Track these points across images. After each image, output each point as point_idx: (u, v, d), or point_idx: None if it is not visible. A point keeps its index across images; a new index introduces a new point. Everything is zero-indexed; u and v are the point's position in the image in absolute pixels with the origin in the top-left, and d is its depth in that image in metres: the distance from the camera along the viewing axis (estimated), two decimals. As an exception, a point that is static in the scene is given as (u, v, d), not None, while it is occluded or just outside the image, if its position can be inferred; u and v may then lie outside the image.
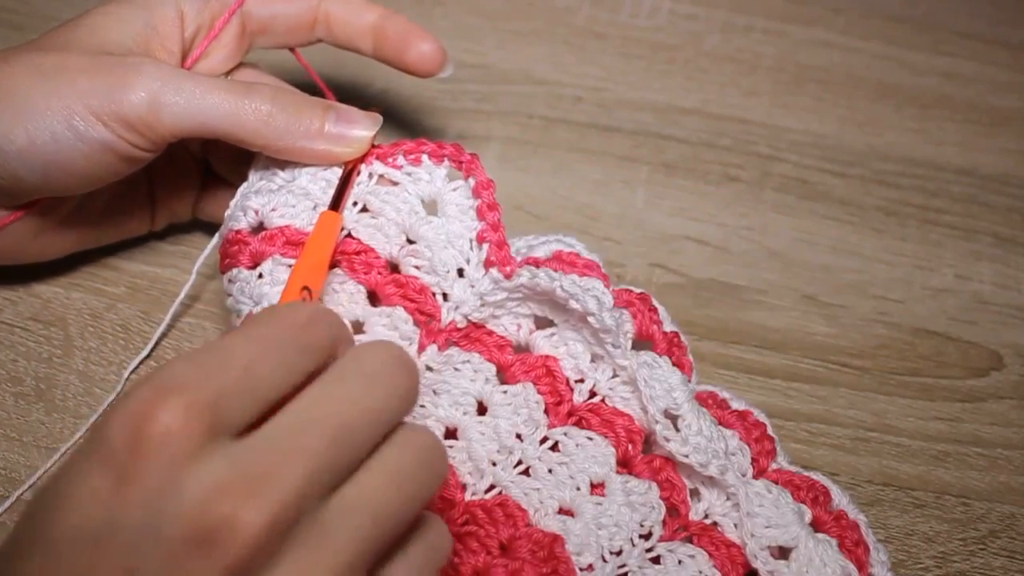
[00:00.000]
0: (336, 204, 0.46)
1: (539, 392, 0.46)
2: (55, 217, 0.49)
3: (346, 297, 0.47)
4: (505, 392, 0.46)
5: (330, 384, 0.33)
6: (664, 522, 0.44)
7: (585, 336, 0.46)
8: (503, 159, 0.62)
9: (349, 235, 0.47)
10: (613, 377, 0.46)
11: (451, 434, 0.45)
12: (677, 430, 0.44)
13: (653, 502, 0.44)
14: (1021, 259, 0.60)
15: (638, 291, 0.48)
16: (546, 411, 0.46)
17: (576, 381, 0.46)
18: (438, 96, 0.64)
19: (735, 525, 0.44)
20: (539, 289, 0.45)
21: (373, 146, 0.48)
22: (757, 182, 0.62)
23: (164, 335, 0.52)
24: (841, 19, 0.72)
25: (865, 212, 0.62)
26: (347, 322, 0.46)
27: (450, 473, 0.44)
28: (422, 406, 0.45)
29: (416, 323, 0.46)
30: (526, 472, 0.44)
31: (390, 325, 0.46)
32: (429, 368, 0.46)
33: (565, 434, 0.45)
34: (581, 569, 0.42)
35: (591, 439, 0.45)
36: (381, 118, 0.48)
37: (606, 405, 0.46)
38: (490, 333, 0.47)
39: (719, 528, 0.44)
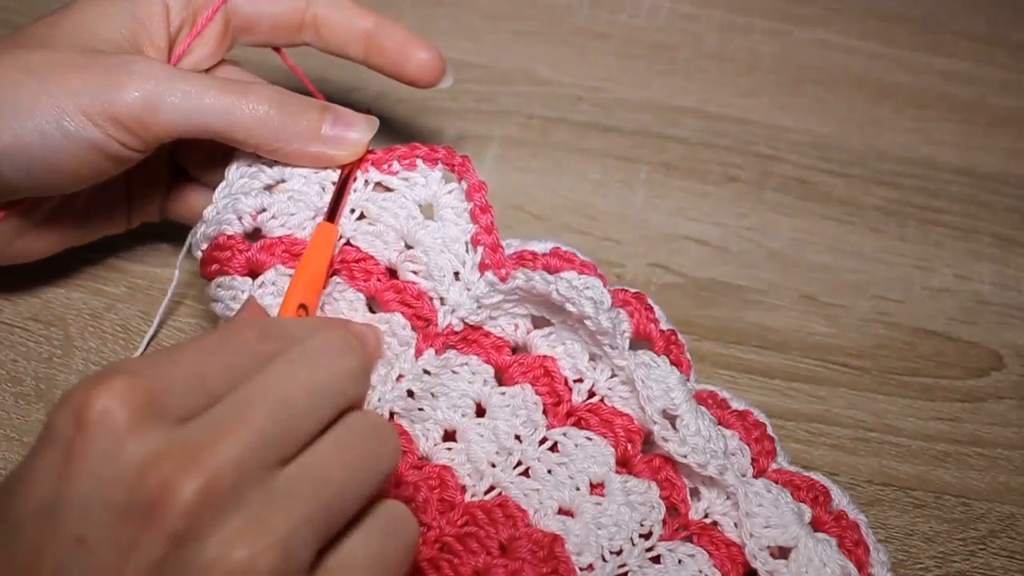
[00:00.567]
0: (333, 214, 0.46)
1: (537, 393, 0.46)
2: (36, 217, 0.49)
3: (345, 305, 0.47)
4: (503, 394, 0.46)
5: (272, 367, 0.34)
6: (664, 521, 0.44)
7: (582, 336, 0.46)
8: (503, 159, 0.62)
9: (348, 243, 0.47)
10: (612, 377, 0.46)
11: (450, 436, 0.45)
12: (675, 430, 0.44)
13: (653, 501, 0.44)
14: (1021, 259, 0.60)
15: (634, 291, 0.48)
16: (544, 412, 0.46)
17: (575, 381, 0.46)
18: (437, 97, 0.64)
19: (735, 524, 0.44)
20: (535, 292, 0.45)
21: (368, 151, 0.48)
22: (757, 182, 0.62)
23: (156, 333, 0.51)
24: (841, 19, 0.72)
25: (864, 212, 0.62)
26: None
27: (449, 475, 0.44)
28: (420, 409, 0.45)
29: (414, 328, 0.46)
30: (525, 473, 0.44)
31: (388, 331, 0.46)
32: (427, 372, 0.46)
33: (564, 434, 0.45)
34: (581, 569, 0.42)
35: (590, 439, 0.45)
36: (377, 121, 0.48)
37: (605, 405, 0.46)
38: (487, 334, 0.47)
39: (719, 527, 0.44)
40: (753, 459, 0.45)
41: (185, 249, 0.48)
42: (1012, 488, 0.51)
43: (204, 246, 0.46)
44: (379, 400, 0.45)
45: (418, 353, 0.46)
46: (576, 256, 0.48)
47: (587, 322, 0.44)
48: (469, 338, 0.47)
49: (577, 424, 0.45)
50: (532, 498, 0.44)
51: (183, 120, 0.44)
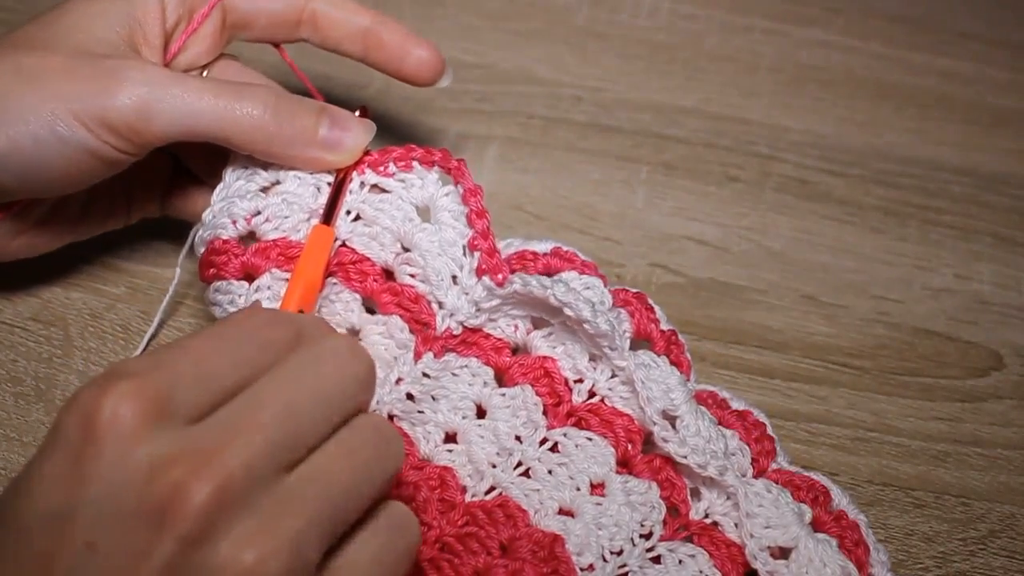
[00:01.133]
0: (329, 216, 0.46)
1: (537, 394, 0.46)
2: (34, 216, 0.49)
3: (341, 306, 0.47)
4: (503, 395, 0.46)
5: (281, 370, 0.34)
6: (664, 521, 0.44)
7: (582, 337, 0.46)
8: (503, 159, 0.62)
9: (344, 244, 0.47)
10: (612, 377, 0.46)
11: (451, 438, 0.45)
12: (675, 431, 0.44)
13: (653, 502, 0.44)
14: (1021, 259, 0.60)
15: (635, 291, 0.48)
16: (545, 412, 0.46)
17: (575, 381, 0.46)
18: (438, 96, 0.64)
19: (735, 524, 0.44)
20: (532, 296, 0.45)
21: (364, 153, 0.48)
22: (757, 182, 0.62)
23: (156, 333, 0.51)
24: (841, 19, 0.72)
25: (865, 212, 0.62)
26: (343, 331, 0.47)
27: (450, 475, 0.44)
28: (420, 412, 0.45)
29: (412, 331, 0.46)
30: (526, 473, 0.44)
31: (386, 333, 0.46)
32: (426, 375, 0.46)
33: (564, 435, 0.45)
34: (582, 569, 0.42)
35: (590, 439, 0.45)
36: (374, 126, 0.48)
37: (605, 405, 0.46)
38: (487, 336, 0.47)
39: (720, 527, 0.44)
40: (753, 459, 0.45)
41: (186, 248, 0.48)
42: (1012, 488, 0.51)
43: (202, 249, 0.46)
44: (378, 403, 0.45)
45: (417, 356, 0.46)
46: (577, 256, 0.48)
47: (585, 325, 0.44)
48: (468, 340, 0.47)
49: (577, 424, 0.45)
50: (533, 498, 0.44)
51: (177, 125, 0.44)
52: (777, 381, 0.54)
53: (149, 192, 0.52)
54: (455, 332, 0.46)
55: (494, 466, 0.45)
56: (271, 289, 0.45)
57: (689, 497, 0.45)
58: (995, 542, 0.49)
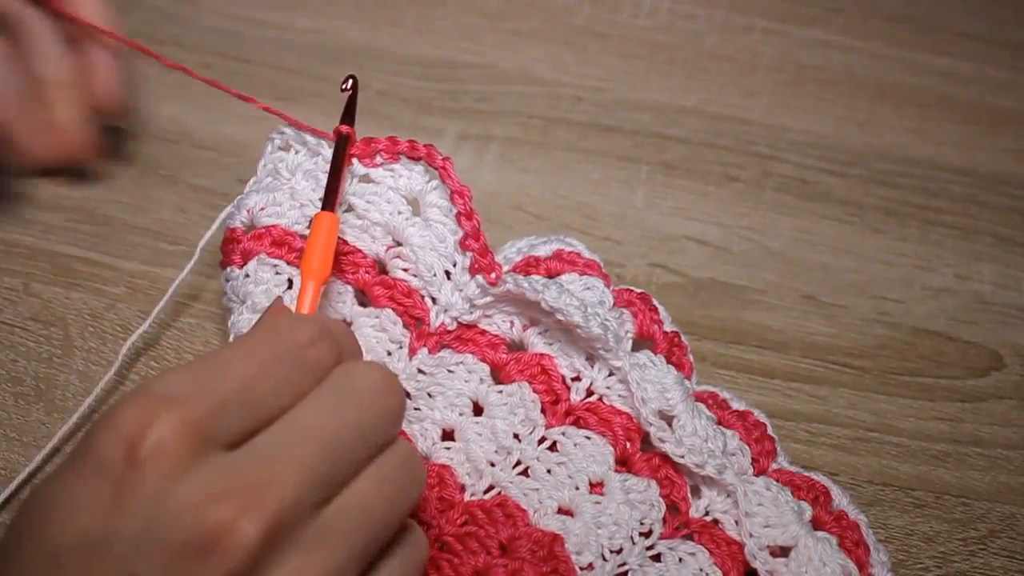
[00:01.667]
0: (331, 202, 0.45)
1: (535, 391, 0.46)
2: None
3: (334, 297, 0.47)
4: (500, 392, 0.46)
5: (323, 400, 0.34)
6: (664, 520, 0.44)
7: (577, 337, 0.46)
8: (503, 159, 0.62)
9: None
10: (610, 375, 0.46)
11: (448, 436, 0.45)
12: (672, 431, 0.44)
13: (652, 500, 0.44)
14: (1021, 259, 0.60)
15: (638, 291, 0.48)
16: (543, 410, 0.46)
17: (572, 379, 0.46)
18: (438, 96, 0.64)
19: (736, 522, 0.44)
20: (525, 298, 0.45)
21: (352, 142, 0.47)
22: (757, 182, 0.62)
23: (162, 318, 0.52)
24: (841, 19, 0.72)
25: (865, 212, 0.62)
26: None
27: (449, 474, 0.44)
28: (417, 409, 0.45)
29: (406, 325, 0.46)
30: (525, 472, 0.44)
31: (379, 326, 0.46)
32: (422, 371, 0.46)
33: (563, 434, 0.45)
34: (581, 568, 0.42)
35: (589, 438, 0.45)
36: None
37: (604, 404, 0.46)
38: (483, 332, 0.47)
39: (720, 525, 0.44)
40: (753, 459, 0.45)
41: (209, 233, 0.48)
42: (1012, 488, 0.51)
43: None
44: None
45: (412, 353, 0.46)
46: (579, 257, 0.48)
47: (578, 331, 0.44)
48: (463, 336, 0.47)
49: (576, 423, 0.45)
50: (532, 497, 0.44)
51: None
52: (777, 381, 0.54)
53: None
54: (449, 328, 0.46)
55: (493, 464, 0.45)
56: (256, 274, 0.46)
57: (689, 495, 0.45)
58: (995, 542, 0.49)
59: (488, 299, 0.46)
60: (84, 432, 0.32)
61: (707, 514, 0.45)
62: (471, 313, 0.46)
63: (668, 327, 0.48)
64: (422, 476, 0.36)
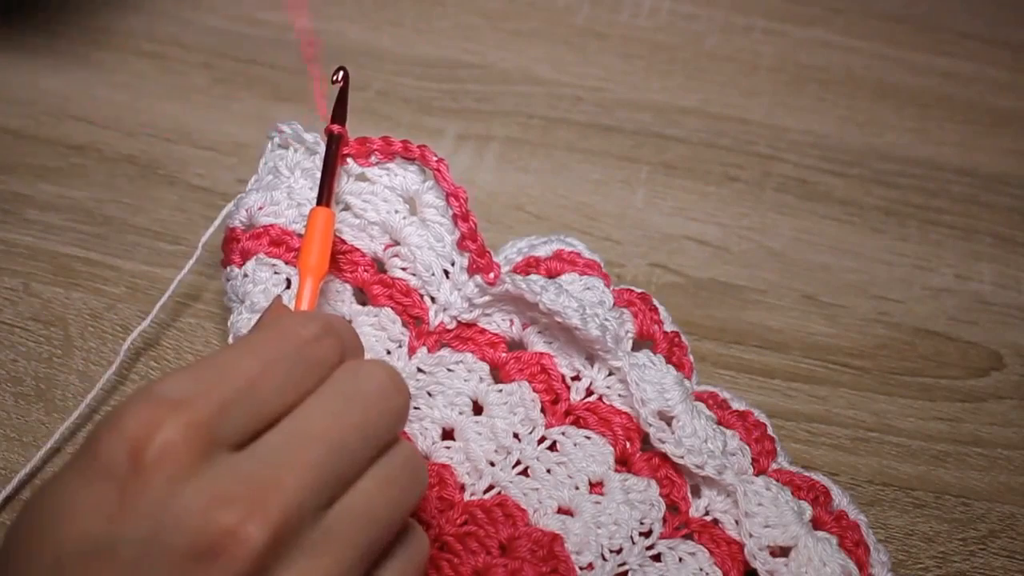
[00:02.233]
0: (326, 197, 0.45)
1: (535, 390, 0.46)
2: None
3: (332, 296, 0.47)
4: (500, 391, 0.46)
5: (328, 400, 0.34)
6: (664, 519, 0.44)
7: (578, 336, 0.46)
8: (503, 159, 0.62)
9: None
10: (610, 375, 0.46)
11: (448, 435, 0.45)
12: (672, 431, 0.44)
13: (652, 499, 0.44)
14: (1021, 259, 0.60)
15: (638, 291, 0.48)
16: (543, 410, 0.46)
17: (572, 378, 0.46)
18: (438, 96, 0.64)
19: (736, 522, 0.44)
20: (524, 299, 0.45)
21: (346, 140, 0.47)
22: (757, 182, 0.62)
23: (167, 302, 0.52)
24: (841, 19, 0.72)
25: (865, 212, 0.62)
26: None
27: (449, 473, 0.44)
28: (416, 408, 0.45)
29: (405, 324, 0.46)
30: (524, 472, 0.44)
31: (378, 325, 0.46)
32: (421, 370, 0.46)
33: (563, 433, 0.45)
34: (581, 568, 0.42)
35: (589, 438, 0.45)
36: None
37: (604, 403, 0.46)
38: (482, 331, 0.47)
39: (720, 525, 0.44)
40: (753, 459, 0.45)
41: (213, 227, 0.48)
42: (1012, 488, 0.51)
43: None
44: None
45: (411, 352, 0.46)
46: (580, 257, 0.48)
47: (576, 333, 0.44)
48: (463, 335, 0.47)
49: (576, 423, 0.45)
50: (531, 497, 0.44)
51: None
52: (777, 381, 0.54)
53: None
54: (449, 327, 0.46)
55: (492, 464, 0.45)
56: (254, 274, 0.46)
57: (689, 494, 0.45)
58: (995, 542, 0.49)
59: (487, 298, 0.46)
60: (87, 434, 0.32)
61: (707, 514, 0.45)
62: (470, 312, 0.46)
63: (668, 327, 0.48)
64: (424, 477, 0.36)
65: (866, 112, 0.67)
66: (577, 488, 0.44)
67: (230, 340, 0.45)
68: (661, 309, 0.48)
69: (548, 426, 0.45)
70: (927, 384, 0.54)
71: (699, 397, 0.47)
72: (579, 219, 0.59)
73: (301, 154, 0.48)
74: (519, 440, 0.45)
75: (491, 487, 0.44)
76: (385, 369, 0.35)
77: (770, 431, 0.47)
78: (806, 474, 0.46)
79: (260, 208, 0.47)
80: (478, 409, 0.46)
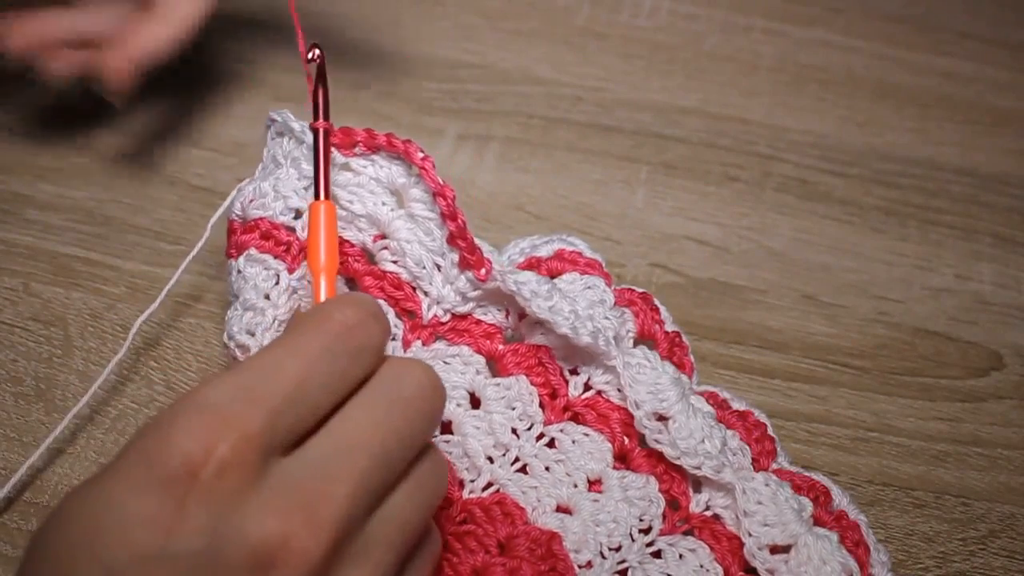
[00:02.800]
0: (324, 189, 0.44)
1: (532, 384, 0.45)
2: None
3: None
4: (498, 385, 0.45)
5: (373, 405, 0.34)
6: (664, 515, 0.44)
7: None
8: (503, 159, 0.62)
9: None
10: (607, 371, 0.46)
11: (445, 428, 0.45)
12: (668, 432, 0.44)
13: (651, 496, 0.44)
14: (1021, 259, 0.60)
15: (640, 291, 0.48)
16: (541, 404, 0.45)
17: (571, 371, 0.46)
18: (438, 96, 0.64)
19: (737, 517, 0.44)
20: (516, 299, 0.45)
21: (331, 130, 0.46)
22: (757, 182, 0.62)
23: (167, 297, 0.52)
24: (841, 19, 0.72)
25: (865, 212, 0.62)
26: None
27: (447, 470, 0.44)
28: None
29: (398, 316, 0.46)
30: (523, 470, 0.44)
31: None
32: None
33: (561, 430, 0.45)
34: (580, 566, 0.42)
35: (587, 435, 0.45)
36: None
37: (602, 399, 0.46)
38: (478, 322, 0.46)
39: (721, 521, 0.44)
40: (754, 459, 0.45)
41: (220, 211, 0.47)
42: (1012, 488, 0.51)
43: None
44: None
45: (406, 345, 0.46)
46: (581, 256, 0.48)
47: (571, 340, 0.44)
48: (458, 327, 0.46)
49: (574, 419, 0.45)
50: (530, 495, 0.44)
51: None
52: (777, 381, 0.54)
53: None
54: (443, 320, 0.46)
55: (491, 461, 0.44)
56: (244, 270, 0.45)
57: (689, 490, 0.45)
58: (995, 542, 0.49)
59: (479, 292, 0.46)
60: (132, 444, 0.31)
61: (708, 509, 0.44)
62: (464, 305, 0.46)
63: (669, 327, 0.48)
64: (447, 480, 0.37)
65: (866, 112, 0.67)
66: (575, 486, 0.44)
67: (224, 337, 0.45)
68: (662, 309, 0.48)
69: (546, 422, 0.45)
70: (927, 384, 0.54)
71: (699, 397, 0.47)
72: (579, 219, 0.59)
73: (292, 143, 0.47)
74: (517, 436, 0.45)
75: (490, 484, 0.44)
76: (425, 371, 0.36)
77: (770, 431, 0.47)
78: (806, 474, 0.46)
79: (251, 201, 0.46)
80: (475, 402, 0.45)
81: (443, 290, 0.46)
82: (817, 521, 0.44)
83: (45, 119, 0.60)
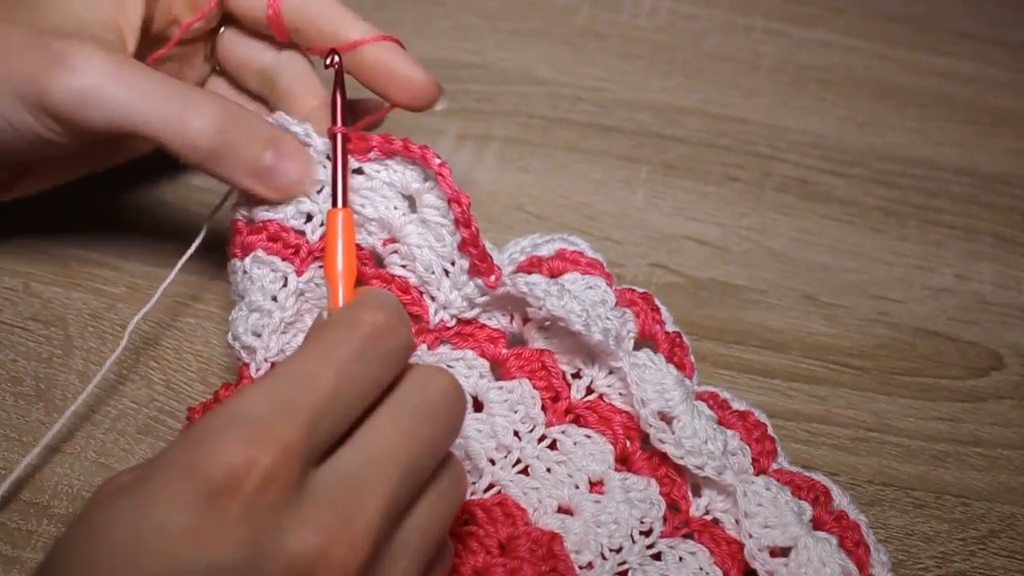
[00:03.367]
0: (343, 197, 0.44)
1: (535, 387, 0.45)
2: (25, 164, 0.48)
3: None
4: (501, 388, 0.45)
5: (400, 416, 0.35)
6: (664, 518, 0.44)
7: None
8: (503, 159, 0.62)
9: None
10: (610, 373, 0.46)
11: None
12: (672, 432, 0.44)
13: (652, 498, 0.44)
14: (1021, 259, 0.60)
15: (641, 291, 0.48)
16: (543, 407, 0.46)
17: (573, 375, 0.46)
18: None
19: (736, 521, 0.44)
20: (526, 303, 0.45)
21: (345, 135, 0.46)
22: (757, 182, 0.62)
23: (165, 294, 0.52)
24: (841, 19, 0.72)
25: (865, 212, 0.62)
26: None
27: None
28: None
29: None
30: (524, 471, 0.44)
31: None
32: None
33: (563, 432, 0.45)
34: (580, 567, 0.42)
35: (589, 437, 0.45)
36: (320, 167, 0.46)
37: (604, 402, 0.46)
38: (482, 327, 0.47)
39: (720, 524, 0.44)
40: (754, 459, 0.45)
41: (213, 212, 0.48)
42: (1012, 488, 0.51)
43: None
44: None
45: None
46: (582, 256, 0.48)
47: (582, 337, 0.44)
48: (462, 331, 0.46)
49: (576, 421, 0.45)
50: (531, 496, 0.44)
51: (117, 121, 0.42)
52: (777, 381, 0.54)
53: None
54: (448, 325, 0.46)
55: (493, 462, 0.44)
56: (251, 271, 0.45)
57: (689, 493, 0.45)
58: (995, 542, 0.49)
59: (486, 298, 0.46)
60: (168, 455, 0.32)
61: (707, 513, 0.45)
62: (470, 311, 0.46)
63: (670, 327, 0.48)
64: (466, 488, 0.38)
65: (866, 112, 0.67)
66: (577, 487, 0.44)
67: (229, 337, 0.45)
68: (663, 309, 0.48)
69: (548, 424, 0.45)
70: (927, 384, 0.54)
71: (699, 397, 0.47)
72: (579, 219, 0.59)
73: None
74: (519, 438, 0.45)
75: (491, 486, 0.44)
76: (449, 379, 0.36)
77: (770, 431, 0.47)
78: (806, 474, 0.46)
79: (260, 203, 0.46)
80: (478, 406, 0.46)
81: (451, 296, 0.46)
82: (817, 521, 0.44)
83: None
